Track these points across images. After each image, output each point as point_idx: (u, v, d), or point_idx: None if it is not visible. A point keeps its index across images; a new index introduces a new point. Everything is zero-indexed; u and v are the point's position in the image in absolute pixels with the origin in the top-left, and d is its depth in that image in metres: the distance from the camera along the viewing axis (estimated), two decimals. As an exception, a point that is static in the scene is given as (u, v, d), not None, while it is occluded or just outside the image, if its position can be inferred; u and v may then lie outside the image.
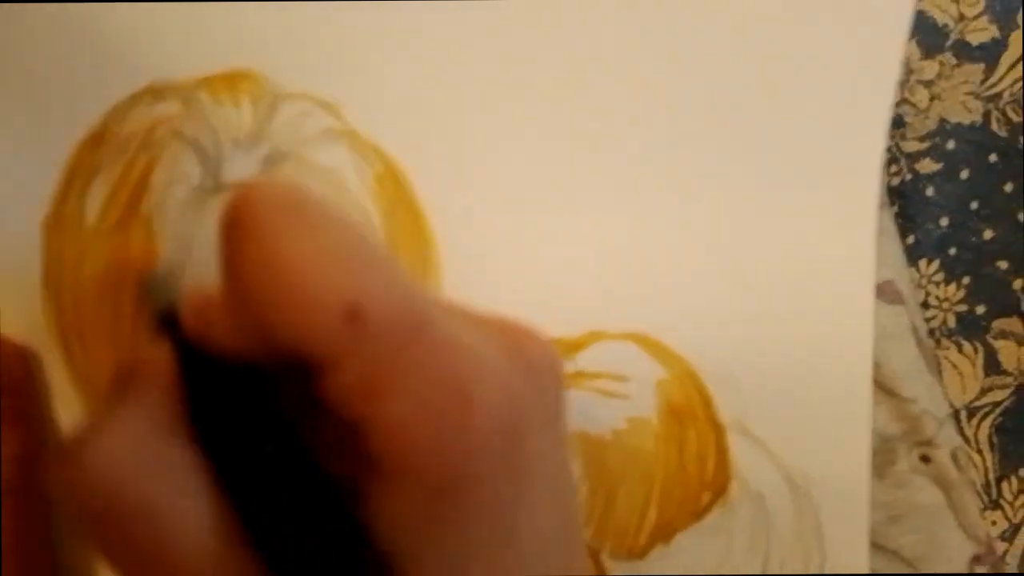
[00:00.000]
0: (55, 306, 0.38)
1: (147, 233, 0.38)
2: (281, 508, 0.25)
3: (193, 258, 0.39)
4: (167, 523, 0.25)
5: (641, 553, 0.42)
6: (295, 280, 0.25)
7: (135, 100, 0.38)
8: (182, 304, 0.28)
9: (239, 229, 0.25)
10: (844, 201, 0.44)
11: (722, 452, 0.42)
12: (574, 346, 0.43)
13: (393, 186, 0.40)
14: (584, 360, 0.43)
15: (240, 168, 0.39)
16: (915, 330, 0.47)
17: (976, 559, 0.47)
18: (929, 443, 0.46)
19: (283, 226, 0.25)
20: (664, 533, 0.42)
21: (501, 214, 0.42)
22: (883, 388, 0.46)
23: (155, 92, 0.39)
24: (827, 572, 0.42)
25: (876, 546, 0.44)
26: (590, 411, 0.42)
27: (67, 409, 0.40)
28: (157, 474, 0.25)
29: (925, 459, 0.45)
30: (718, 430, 0.43)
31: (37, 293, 0.39)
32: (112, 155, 0.39)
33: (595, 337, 0.43)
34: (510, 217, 0.42)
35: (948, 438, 0.47)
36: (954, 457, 0.47)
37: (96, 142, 0.39)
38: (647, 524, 0.42)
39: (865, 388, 0.44)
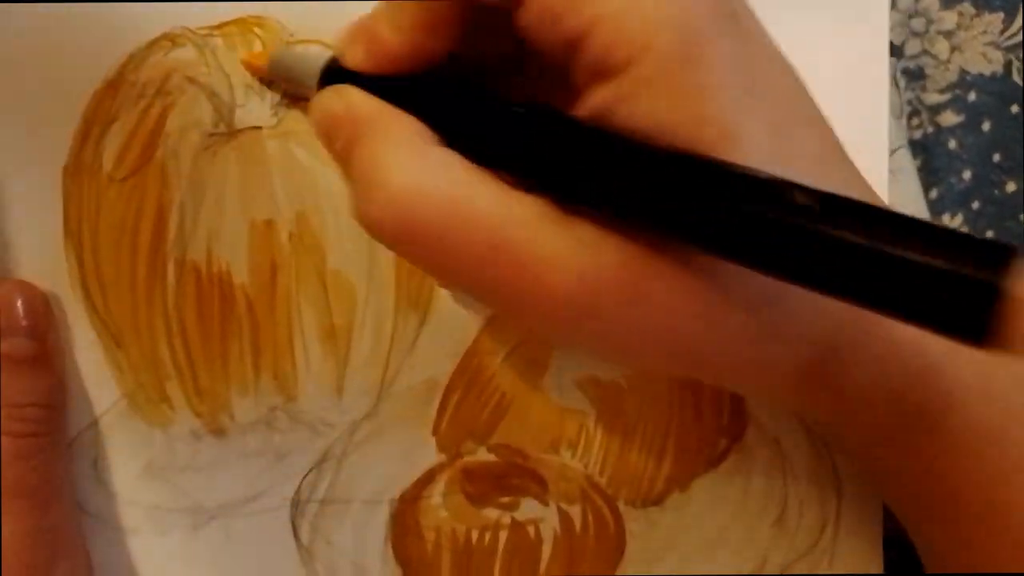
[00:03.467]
0: (75, 252, 0.37)
1: (161, 179, 0.36)
2: (544, 154, 0.26)
3: (206, 204, 0.37)
4: (475, 211, 0.26)
5: (657, 499, 0.41)
6: None
7: (151, 48, 0.38)
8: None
9: None
10: (852, 151, 0.41)
11: (738, 397, 0.40)
12: None
13: None
14: None
15: (253, 114, 0.39)
16: None
17: None
18: None
19: None
20: (681, 479, 0.41)
21: None
22: None
23: (170, 39, 0.38)
24: (843, 515, 0.41)
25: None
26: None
27: (88, 352, 0.39)
28: (445, 175, 0.26)
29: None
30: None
31: (59, 239, 0.38)
32: (128, 103, 0.38)
33: None
34: None
35: None
36: None
37: (113, 90, 0.38)
38: (663, 470, 0.41)
39: None
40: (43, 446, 0.37)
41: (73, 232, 0.37)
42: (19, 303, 0.37)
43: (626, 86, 0.25)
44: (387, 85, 0.28)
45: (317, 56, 0.32)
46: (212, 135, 0.37)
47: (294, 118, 0.39)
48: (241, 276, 0.37)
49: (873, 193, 0.29)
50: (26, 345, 0.37)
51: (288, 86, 0.36)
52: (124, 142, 0.37)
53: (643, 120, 0.25)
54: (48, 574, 0.36)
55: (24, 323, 0.37)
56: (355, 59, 0.29)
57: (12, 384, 0.36)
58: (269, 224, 0.37)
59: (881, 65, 0.41)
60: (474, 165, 0.26)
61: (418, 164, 0.26)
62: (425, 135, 0.27)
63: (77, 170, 0.37)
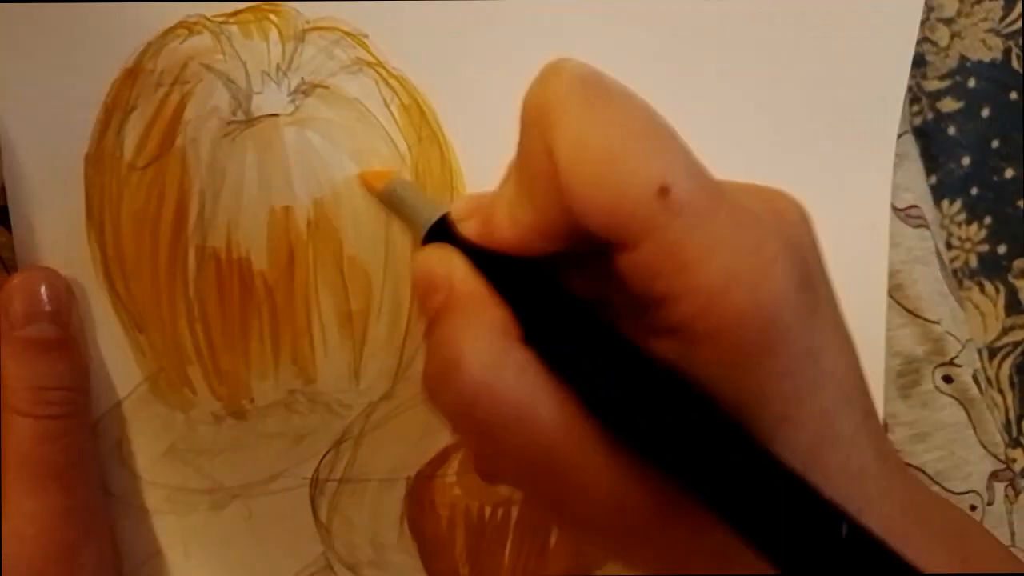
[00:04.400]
0: (98, 239, 0.37)
1: (181, 167, 0.36)
2: (614, 384, 0.26)
3: (226, 191, 0.37)
4: (531, 416, 0.26)
5: None
6: (609, 160, 0.25)
7: (167, 35, 0.38)
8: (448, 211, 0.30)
9: (547, 114, 0.26)
10: (860, 130, 0.43)
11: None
12: None
13: (419, 117, 0.40)
14: None
15: (270, 100, 0.39)
16: (939, 254, 0.45)
17: (995, 475, 0.46)
18: (951, 363, 0.45)
19: (589, 108, 0.26)
20: None
21: None
22: (908, 310, 0.45)
23: (187, 27, 0.38)
24: None
25: (901, 463, 0.42)
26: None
27: (111, 337, 0.39)
28: (516, 375, 0.26)
29: (947, 379, 0.43)
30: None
31: (82, 227, 0.38)
32: (147, 91, 0.38)
33: None
34: None
35: (970, 359, 0.46)
36: (975, 377, 0.46)
37: (131, 78, 0.38)
38: None
39: (879, 314, 0.44)
40: (69, 427, 0.37)
41: (95, 220, 0.37)
42: (43, 289, 0.37)
43: (699, 353, 0.25)
44: (489, 261, 0.29)
45: (433, 207, 0.32)
46: (230, 123, 0.37)
47: (311, 106, 0.39)
48: (260, 262, 0.37)
49: (918, 489, 0.29)
50: (51, 330, 0.37)
51: (395, 213, 0.36)
52: (144, 130, 0.37)
53: (706, 382, 0.25)
54: (78, 553, 0.37)
55: (48, 308, 0.37)
56: (468, 231, 0.30)
57: (38, 368, 0.37)
58: (287, 211, 0.37)
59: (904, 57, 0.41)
60: (545, 371, 0.27)
61: (496, 361, 0.27)
62: (509, 331, 0.27)
63: (99, 158, 0.37)
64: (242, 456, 0.39)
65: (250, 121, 0.37)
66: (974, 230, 0.55)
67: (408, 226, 0.33)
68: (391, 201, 0.36)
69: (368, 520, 0.39)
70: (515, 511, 0.40)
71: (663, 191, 0.25)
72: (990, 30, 0.55)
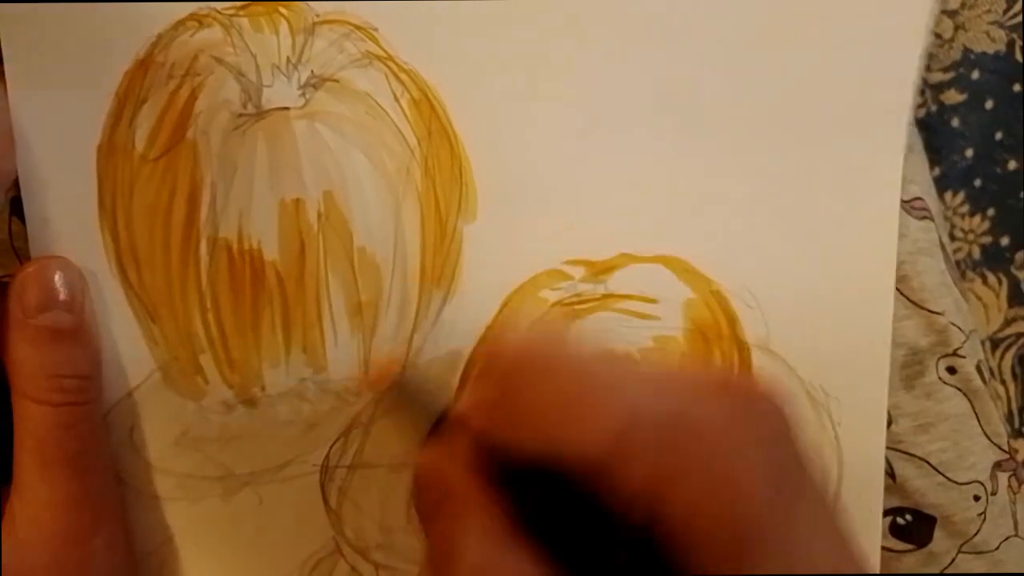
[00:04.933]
0: (110, 230, 0.37)
1: (193, 159, 0.36)
2: None
3: (237, 183, 0.37)
4: None
5: None
6: (569, 420, 0.28)
7: (178, 28, 0.38)
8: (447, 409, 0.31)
9: (502, 389, 0.29)
10: (871, 122, 0.42)
11: (746, 359, 0.41)
12: (605, 268, 0.41)
13: (428, 111, 0.39)
14: (614, 282, 0.42)
15: (280, 94, 0.39)
16: (942, 245, 0.45)
17: (998, 465, 0.46)
18: (955, 354, 0.45)
19: (535, 376, 0.29)
20: None
21: (534, 138, 0.40)
22: (912, 301, 0.44)
23: (197, 19, 0.37)
24: (844, 483, 0.43)
25: (905, 454, 0.43)
26: (619, 331, 0.41)
27: (124, 326, 0.39)
28: (510, 572, 0.28)
29: (951, 370, 0.43)
30: (742, 349, 0.42)
31: (95, 218, 0.38)
32: (158, 83, 0.38)
33: (626, 260, 0.42)
34: (543, 141, 0.40)
35: (973, 350, 0.46)
36: (979, 368, 0.46)
37: (142, 70, 0.38)
38: None
39: (887, 306, 0.43)
40: (83, 414, 0.37)
41: (108, 210, 0.37)
42: (57, 277, 0.37)
43: (681, 556, 0.27)
44: (487, 456, 0.30)
45: (436, 401, 0.33)
46: (241, 115, 0.37)
47: (321, 99, 0.38)
48: (272, 253, 0.37)
49: None
50: (65, 318, 0.37)
51: (402, 408, 0.36)
52: (155, 122, 0.37)
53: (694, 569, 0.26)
54: (89, 540, 0.37)
55: (62, 297, 0.37)
56: (478, 427, 0.31)
57: (52, 355, 0.37)
58: (298, 203, 0.37)
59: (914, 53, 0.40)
60: (538, 562, 0.28)
61: (491, 558, 0.28)
62: (505, 532, 0.29)
63: (111, 150, 0.37)
64: (253, 444, 0.39)
65: (260, 114, 0.37)
66: (977, 222, 0.55)
67: (412, 417, 0.34)
68: (399, 394, 0.37)
69: (377, 505, 0.40)
70: None
71: (620, 434, 0.27)
72: (994, 22, 0.54)
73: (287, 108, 0.37)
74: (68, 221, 0.37)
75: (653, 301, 0.41)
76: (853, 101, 0.41)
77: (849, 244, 0.42)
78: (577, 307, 0.41)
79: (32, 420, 0.36)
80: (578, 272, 0.40)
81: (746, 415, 0.28)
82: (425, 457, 0.31)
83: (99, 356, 0.38)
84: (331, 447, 0.39)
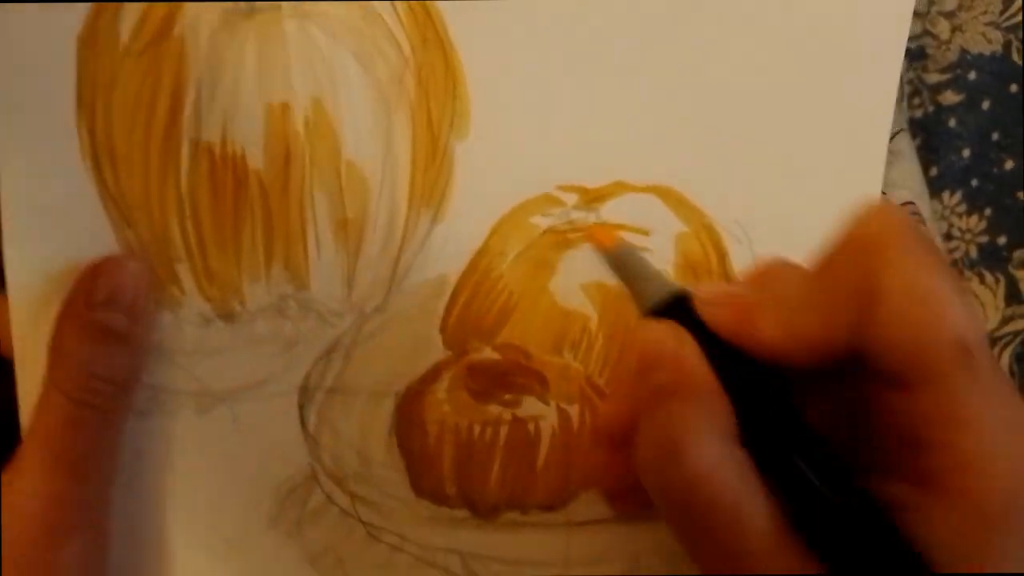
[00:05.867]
0: (87, 124, 0.32)
1: (179, 55, 0.29)
2: (822, 507, 0.24)
3: (223, 83, 0.29)
4: (746, 518, 0.24)
5: None
6: (933, 307, 0.24)
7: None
8: (689, 291, 0.27)
9: (876, 249, 0.24)
10: (864, 61, 0.37)
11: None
12: (599, 196, 0.37)
13: (424, 18, 0.35)
14: (607, 211, 0.37)
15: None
16: None
17: None
18: None
19: (919, 254, 0.24)
20: None
21: (532, 55, 0.36)
22: None
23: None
24: None
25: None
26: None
27: (96, 232, 0.34)
28: (737, 476, 0.24)
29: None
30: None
31: (71, 109, 0.34)
32: (145, -24, 0.33)
33: (620, 188, 0.37)
34: (541, 59, 0.36)
35: None
36: None
37: (129, -39, 0.33)
38: None
39: None
40: (102, 422, 0.33)
41: (86, 103, 0.30)
42: (126, 278, 0.33)
43: (931, 505, 0.23)
44: (726, 354, 0.26)
45: (664, 282, 0.30)
46: (231, 12, 0.30)
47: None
48: (255, 160, 0.32)
49: None
50: (122, 321, 0.33)
51: (617, 273, 0.32)
52: (142, 14, 0.31)
53: (929, 536, 0.23)
54: (61, 546, 0.33)
55: (126, 299, 0.33)
56: (716, 318, 0.27)
57: (97, 354, 0.33)
58: (285, 108, 0.32)
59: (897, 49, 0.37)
60: (758, 476, 0.25)
61: (720, 459, 0.25)
62: (730, 429, 0.25)
63: (93, 40, 0.30)
64: (230, 359, 0.36)
65: (251, 12, 0.31)
66: (974, 221, 0.48)
67: (631, 289, 0.30)
68: (618, 262, 0.33)
69: (356, 433, 0.34)
70: (504, 431, 0.37)
71: (966, 350, 0.23)
72: (990, 23, 0.47)
73: (279, 7, 0.31)
74: (42, 113, 0.30)
75: (646, 233, 0.37)
76: (848, 39, 0.37)
77: (837, 183, 0.38)
78: (569, 235, 0.36)
79: (51, 412, 0.32)
80: (571, 198, 0.37)
81: None
82: (656, 331, 0.27)
83: (140, 371, 0.35)
84: (311, 368, 0.32)
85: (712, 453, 0.25)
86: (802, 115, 0.37)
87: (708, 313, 0.27)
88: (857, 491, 0.24)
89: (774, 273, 0.27)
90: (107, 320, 0.33)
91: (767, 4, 0.36)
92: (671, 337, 0.27)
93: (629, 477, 0.28)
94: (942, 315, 0.24)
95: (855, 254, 0.25)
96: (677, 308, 0.28)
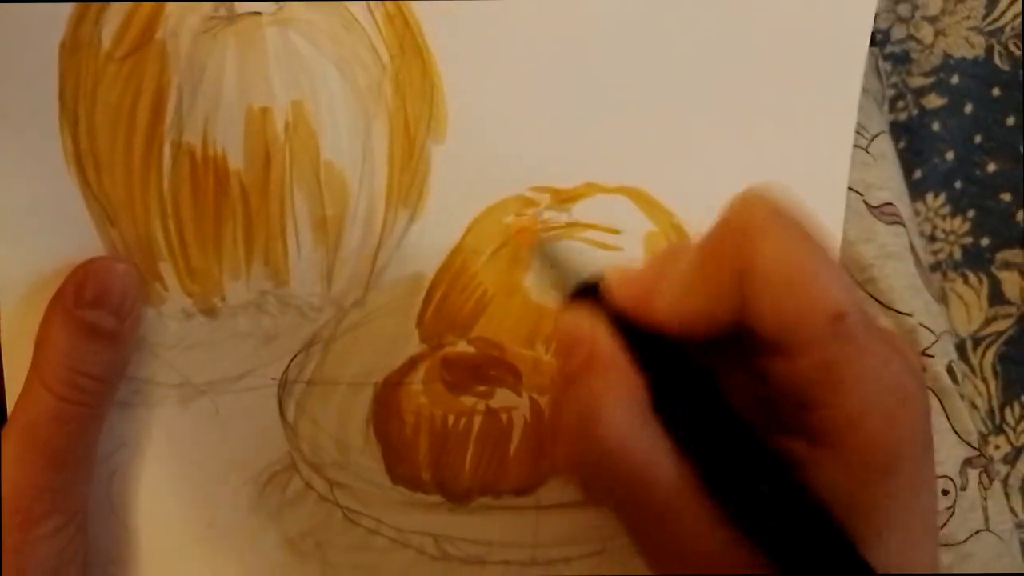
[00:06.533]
0: (71, 129, 0.32)
1: (160, 61, 0.30)
2: (730, 466, 0.25)
3: (204, 87, 0.30)
4: (656, 476, 0.25)
5: None
6: (800, 281, 0.25)
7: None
8: (600, 277, 0.29)
9: (749, 232, 0.26)
10: (829, 59, 0.38)
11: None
12: (570, 196, 0.37)
13: (403, 26, 0.36)
14: (579, 211, 0.37)
15: (252, -1, 0.34)
16: (913, 249, 0.43)
17: (968, 462, 0.43)
18: (924, 354, 0.42)
19: (787, 233, 0.26)
20: None
21: (507, 61, 0.36)
22: (880, 302, 0.41)
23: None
24: None
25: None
26: (580, 259, 0.35)
27: (81, 231, 0.35)
28: (647, 439, 0.26)
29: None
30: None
31: (54, 115, 0.34)
32: (126, -21, 0.34)
33: (591, 189, 0.37)
34: (515, 65, 0.36)
35: (944, 351, 0.43)
36: (949, 369, 0.43)
37: (109, -36, 0.34)
38: None
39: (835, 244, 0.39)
40: (83, 416, 0.34)
41: (69, 108, 0.31)
42: (119, 281, 0.34)
43: (823, 457, 0.25)
44: (631, 331, 0.27)
45: (580, 267, 0.30)
46: (212, 18, 0.31)
47: (294, 7, 0.35)
48: (236, 162, 0.33)
49: None
50: (110, 320, 0.34)
51: (542, 268, 0.33)
52: (124, 20, 0.31)
53: (824, 489, 0.25)
54: (34, 532, 0.33)
55: (114, 299, 0.34)
56: (621, 300, 0.28)
57: (82, 350, 0.33)
58: (265, 111, 0.32)
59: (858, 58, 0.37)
60: (668, 439, 0.26)
61: (632, 424, 0.26)
62: (640, 394, 0.27)
63: (75, 46, 0.31)
64: (211, 353, 0.37)
65: (232, 18, 0.31)
66: (958, 223, 0.48)
67: (553, 283, 0.31)
68: (540, 256, 0.34)
69: (334, 422, 0.35)
70: (477, 421, 0.38)
71: (838, 317, 0.25)
72: (973, 28, 0.47)
73: (259, 13, 0.31)
74: (26, 118, 0.31)
75: (616, 232, 0.38)
76: (812, 41, 0.37)
77: (803, 184, 0.37)
78: (541, 234, 0.37)
79: (33, 404, 0.33)
80: (544, 199, 0.37)
81: (904, 359, 0.26)
82: (572, 316, 0.29)
83: (124, 370, 0.35)
84: (291, 361, 0.33)
85: (623, 420, 0.26)
86: (768, 117, 0.38)
87: (616, 295, 0.28)
88: (761, 449, 0.26)
89: (672, 254, 0.29)
90: (94, 319, 0.33)
91: (734, 9, 0.37)
92: (584, 319, 0.28)
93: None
94: (809, 289, 0.25)
95: (731, 238, 0.26)
96: (590, 293, 0.29)
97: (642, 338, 0.27)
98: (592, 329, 0.28)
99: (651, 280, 0.28)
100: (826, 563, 0.24)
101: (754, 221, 0.26)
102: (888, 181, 0.41)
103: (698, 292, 0.27)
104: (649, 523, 0.26)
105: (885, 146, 0.41)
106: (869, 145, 0.42)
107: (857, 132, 0.39)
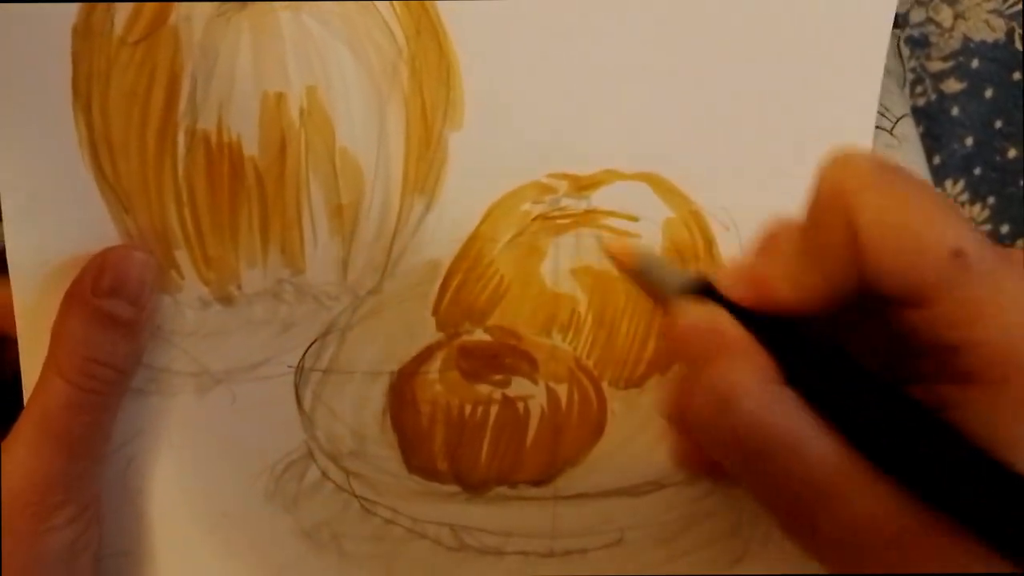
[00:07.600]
0: (84, 115, 0.31)
1: (174, 45, 0.28)
2: (885, 427, 0.25)
3: (218, 72, 0.29)
4: (808, 448, 0.25)
5: (639, 382, 0.37)
6: (909, 231, 0.25)
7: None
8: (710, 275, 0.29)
9: (847, 195, 0.25)
10: (851, 45, 0.36)
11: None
12: (589, 183, 0.36)
13: (419, 10, 0.35)
14: (598, 198, 0.36)
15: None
16: None
17: None
18: None
19: (886, 188, 0.25)
20: (661, 364, 0.36)
21: (525, 46, 0.35)
22: None
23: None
24: None
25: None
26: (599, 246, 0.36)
27: (96, 219, 0.34)
28: (790, 412, 0.25)
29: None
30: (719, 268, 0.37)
31: (68, 101, 0.33)
32: (139, -36, 0.33)
33: (609, 176, 0.36)
34: (534, 49, 0.35)
35: None
36: None
37: (123, -51, 0.33)
38: (646, 355, 0.36)
39: None
40: (99, 405, 0.33)
41: (82, 95, 0.30)
42: (136, 270, 0.33)
43: (978, 397, 0.24)
44: (753, 318, 0.28)
45: (682, 272, 0.31)
46: (225, 2, 0.29)
47: None
48: (251, 148, 0.32)
49: None
50: (127, 310, 0.33)
51: (640, 280, 0.34)
52: (136, 5, 0.29)
53: (982, 428, 0.24)
54: (49, 520, 0.32)
55: (131, 289, 0.33)
56: (737, 295, 0.28)
57: (98, 339, 0.32)
58: (280, 97, 0.30)
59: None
60: (814, 416, 0.25)
61: (769, 398, 0.26)
62: (773, 373, 0.26)
63: (87, 32, 0.30)
64: (228, 341, 0.36)
65: (246, 2, 0.29)
66: (977, 210, 0.46)
67: (654, 291, 0.32)
68: (641, 268, 0.34)
69: (351, 411, 0.35)
70: (494, 410, 0.37)
71: (957, 254, 0.24)
72: (993, 11, 0.45)
73: (273, -4, 0.30)
74: (39, 105, 0.30)
75: (634, 219, 0.37)
76: (834, 27, 0.36)
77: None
78: (559, 221, 0.36)
79: (49, 393, 0.32)
80: (562, 186, 0.36)
81: None
82: (693, 310, 0.29)
83: (139, 359, 0.35)
84: (307, 350, 0.32)
85: (763, 395, 0.26)
86: (788, 103, 0.36)
87: (731, 292, 0.29)
88: (910, 402, 0.25)
89: (774, 236, 0.29)
90: (111, 308, 0.33)
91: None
92: (703, 314, 0.29)
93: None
94: (922, 231, 0.25)
95: (833, 202, 0.26)
96: (703, 295, 0.29)
97: (763, 323, 0.27)
98: (713, 318, 0.28)
99: (763, 268, 0.28)
100: (1004, 504, 0.23)
101: (852, 180, 0.26)
102: (912, 163, 0.41)
103: (813, 266, 0.27)
104: (808, 496, 0.25)
105: (908, 129, 0.41)
106: (893, 127, 0.40)
107: (881, 114, 0.37)
